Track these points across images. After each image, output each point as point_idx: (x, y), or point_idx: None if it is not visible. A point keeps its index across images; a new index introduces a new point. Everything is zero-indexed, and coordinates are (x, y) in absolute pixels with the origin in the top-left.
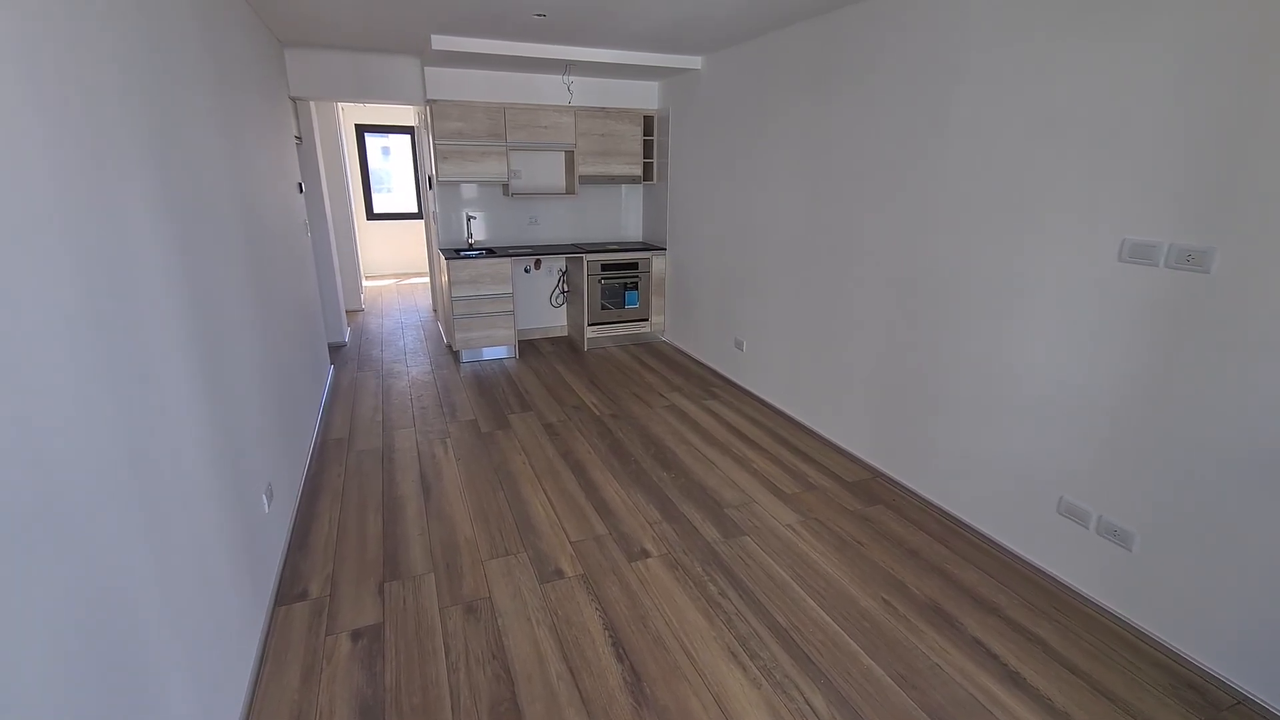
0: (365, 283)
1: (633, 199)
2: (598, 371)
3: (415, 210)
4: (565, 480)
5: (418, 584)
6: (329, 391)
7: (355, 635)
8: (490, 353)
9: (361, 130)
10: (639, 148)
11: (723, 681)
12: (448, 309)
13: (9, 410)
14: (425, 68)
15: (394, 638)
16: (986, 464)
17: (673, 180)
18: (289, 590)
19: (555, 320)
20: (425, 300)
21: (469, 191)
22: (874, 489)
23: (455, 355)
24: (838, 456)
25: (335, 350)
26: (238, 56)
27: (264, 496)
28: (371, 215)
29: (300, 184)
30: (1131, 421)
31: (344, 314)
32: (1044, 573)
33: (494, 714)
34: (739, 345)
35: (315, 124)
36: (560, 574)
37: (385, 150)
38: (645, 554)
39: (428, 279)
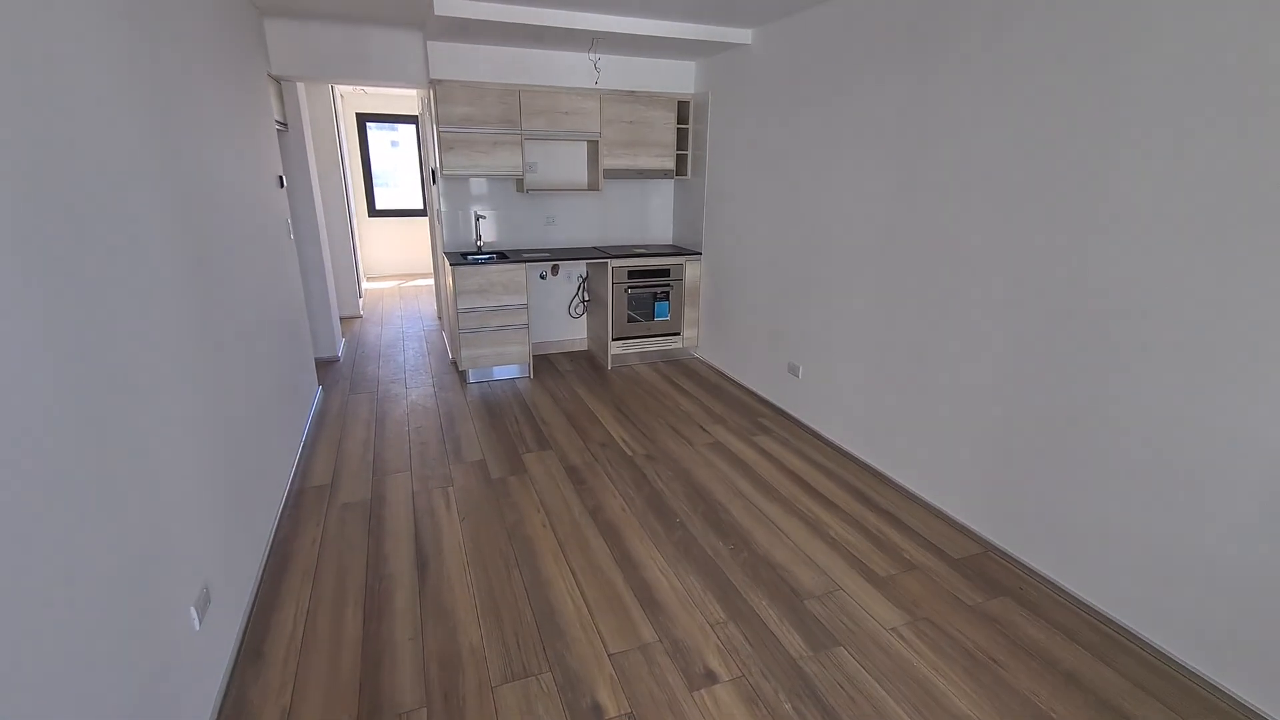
0: (366, 285)
1: (662, 196)
2: (625, 395)
3: (420, 207)
4: (596, 552)
5: None
6: (313, 420)
7: None
8: (501, 372)
9: (363, 119)
10: (672, 138)
11: None
12: (453, 321)
13: None
14: (428, 42)
15: None
16: (1166, 557)
17: (711, 175)
18: None
19: (574, 333)
20: (430, 305)
21: (478, 187)
22: (991, 570)
23: (461, 374)
24: (933, 520)
25: (326, 366)
26: (181, 19)
27: (193, 610)
28: (374, 212)
29: (281, 177)
30: None
31: (338, 324)
32: (1245, 705)
33: None
34: (794, 370)
35: (304, 109)
36: (599, 711)
37: (394, 143)
38: (710, 676)
39: (432, 281)
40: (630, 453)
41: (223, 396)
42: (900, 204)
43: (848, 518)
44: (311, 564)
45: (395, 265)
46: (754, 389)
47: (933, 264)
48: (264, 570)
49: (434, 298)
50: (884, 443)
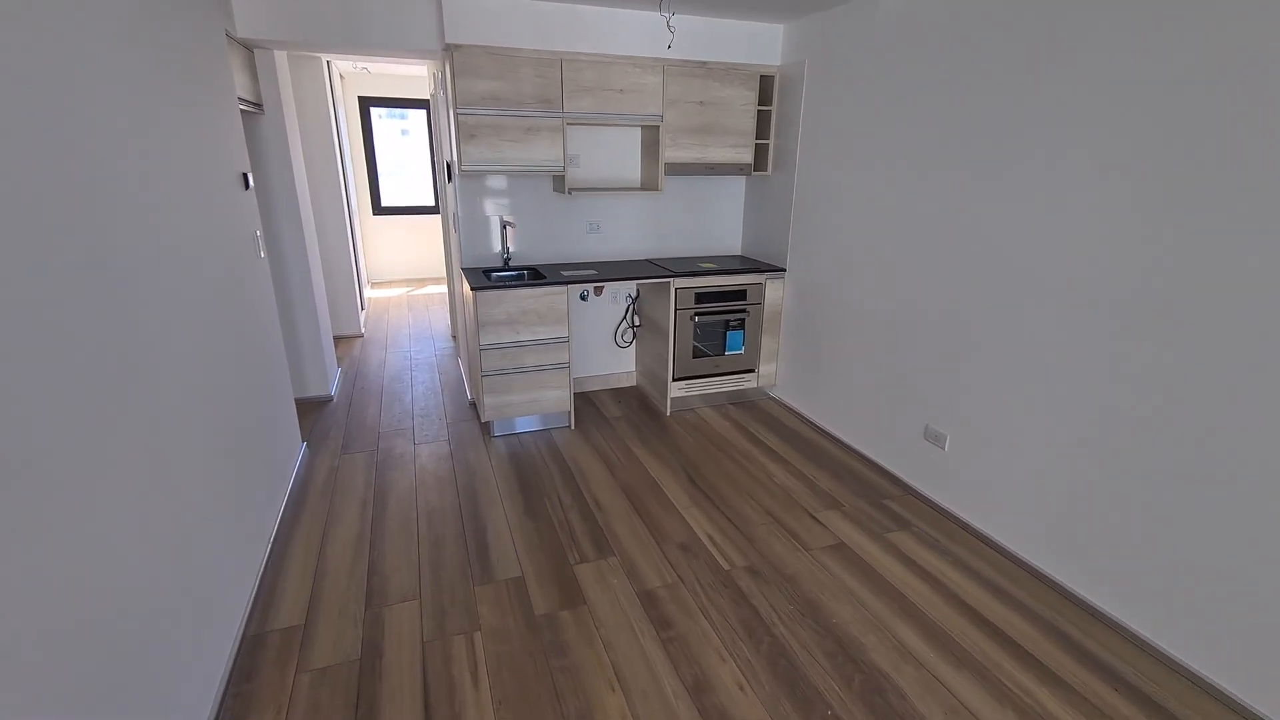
0: (370, 293)
1: (729, 197)
2: (695, 456)
3: (432, 203)
4: None
5: None
6: (291, 499)
7: None
8: (533, 422)
9: (367, 104)
10: (750, 122)
11: None
12: (473, 357)
13: None
14: None
15: None
16: None
17: (801, 171)
18: None
19: (620, 364)
20: (442, 319)
21: (504, 186)
22: None
23: (485, 425)
24: (1205, 699)
25: (316, 409)
26: None
27: None
28: (379, 210)
29: (246, 175)
30: None
31: (331, 353)
32: None
33: None
34: (935, 438)
35: (286, 87)
36: None
37: (404, 132)
38: None
39: (445, 288)
40: (725, 563)
41: (126, 525)
42: (1153, 217)
43: (1094, 710)
44: None
45: (404, 269)
46: (865, 453)
47: (1214, 311)
48: None
49: (447, 309)
50: (1115, 575)
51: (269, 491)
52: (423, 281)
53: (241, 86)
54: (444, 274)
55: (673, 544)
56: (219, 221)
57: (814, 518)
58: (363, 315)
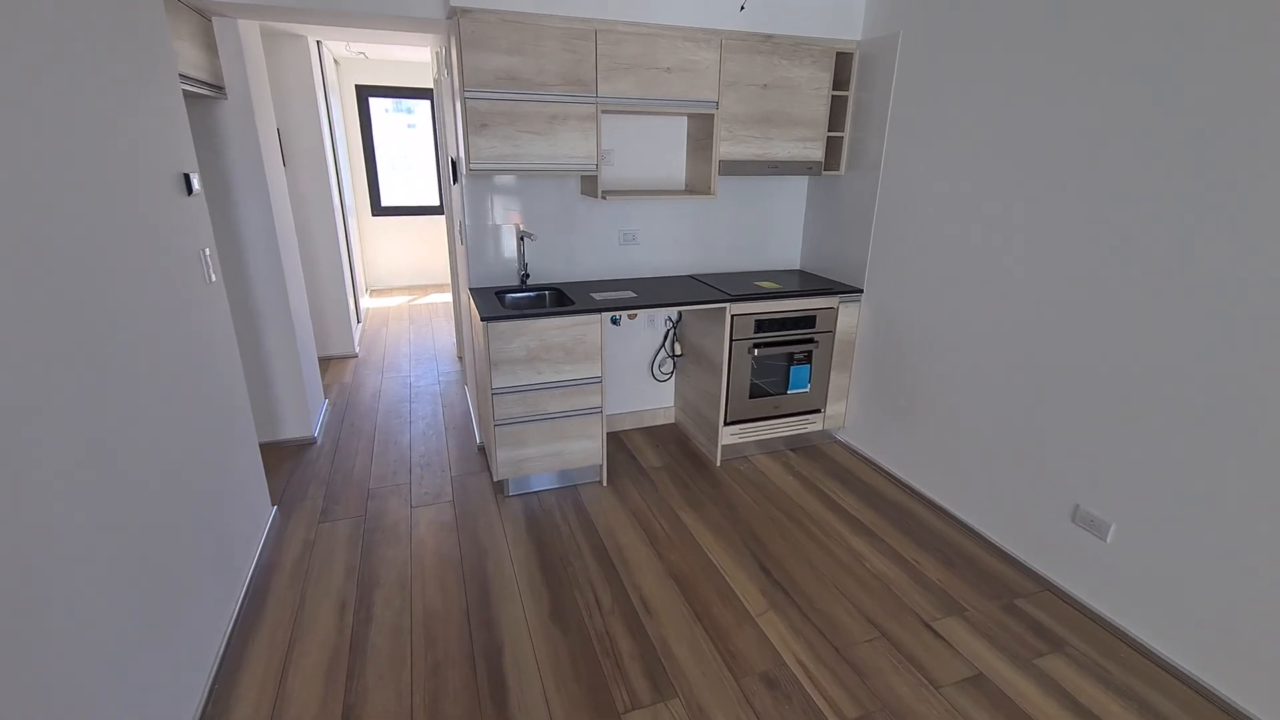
0: (367, 303)
1: (787, 201)
2: (761, 527)
3: (437, 203)
4: None
5: None
6: (248, 599)
7: None
8: (555, 478)
9: (365, 94)
10: (823, 111)
11: None
12: (483, 397)
13: None
14: None
15: None
16: None
17: (890, 171)
18: None
19: (656, 399)
20: (447, 332)
21: (522, 187)
22: None
23: (499, 483)
24: None
25: (294, 456)
26: None
27: None
28: (379, 210)
29: (188, 177)
30: None
31: (315, 383)
32: None
33: None
34: (1091, 524)
35: (257, 65)
36: None
37: (411, 125)
38: None
39: (450, 296)
40: (829, 710)
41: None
42: None
43: None
44: None
45: (405, 275)
46: (979, 529)
47: None
48: None
49: (451, 321)
50: None
51: (221, 587)
52: (425, 289)
53: (192, 62)
54: (449, 281)
55: (752, 675)
56: (144, 239)
57: (931, 629)
58: (358, 331)
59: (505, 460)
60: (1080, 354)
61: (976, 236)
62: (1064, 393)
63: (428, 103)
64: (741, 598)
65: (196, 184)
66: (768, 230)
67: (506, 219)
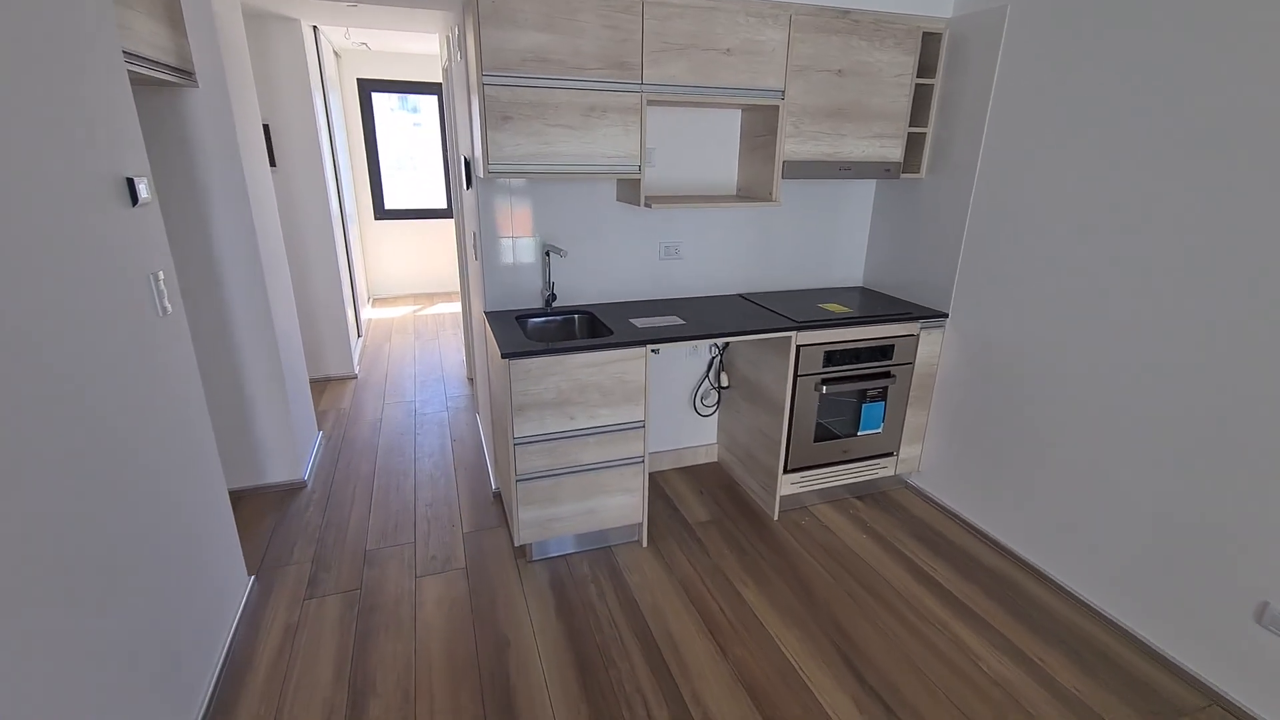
0: (369, 313)
1: (851, 209)
2: (839, 608)
3: (445, 206)
4: None
5: None
6: (212, 705)
7: None
8: (585, 540)
9: (368, 88)
10: (905, 103)
11: None
12: (501, 440)
13: None
14: None
15: None
16: None
17: (986, 175)
18: None
19: (697, 435)
20: (455, 348)
21: (547, 192)
22: None
23: (520, 546)
24: None
25: (279, 506)
26: None
27: None
28: (382, 213)
29: (132, 181)
30: None
31: (307, 415)
32: None
33: None
34: None
35: (237, 50)
36: None
37: (417, 125)
38: None
39: (459, 306)
40: None
41: None
42: None
43: None
44: None
45: (410, 283)
46: (1119, 619)
47: None
48: None
49: (461, 334)
50: None
51: (174, 695)
52: (432, 298)
53: (149, 40)
54: (457, 289)
55: None
56: (61, 266)
57: None
58: (358, 348)
59: (528, 521)
60: (1271, 405)
61: (1116, 252)
62: (1249, 456)
63: (435, 101)
64: (832, 715)
65: (144, 191)
66: (830, 242)
67: (529, 231)
